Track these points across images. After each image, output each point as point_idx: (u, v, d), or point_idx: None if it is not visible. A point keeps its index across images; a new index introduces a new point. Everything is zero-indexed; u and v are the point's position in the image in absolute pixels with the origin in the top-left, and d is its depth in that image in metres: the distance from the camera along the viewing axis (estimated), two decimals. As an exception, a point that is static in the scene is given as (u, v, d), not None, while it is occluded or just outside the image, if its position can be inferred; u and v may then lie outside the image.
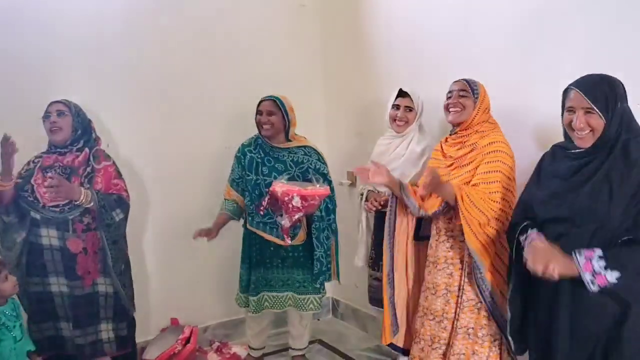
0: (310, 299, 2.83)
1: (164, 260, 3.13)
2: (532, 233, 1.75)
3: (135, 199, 2.67)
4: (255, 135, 2.81)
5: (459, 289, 2.18)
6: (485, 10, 2.48)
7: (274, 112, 2.68)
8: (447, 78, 2.30)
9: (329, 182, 2.74)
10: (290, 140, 2.76)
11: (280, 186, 2.52)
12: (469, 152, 2.17)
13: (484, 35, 2.49)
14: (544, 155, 1.88)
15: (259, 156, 2.75)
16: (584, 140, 1.67)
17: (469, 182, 2.13)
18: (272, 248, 2.74)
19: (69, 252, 2.41)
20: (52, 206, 2.38)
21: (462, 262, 2.18)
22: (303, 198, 2.50)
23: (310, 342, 3.18)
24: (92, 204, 2.38)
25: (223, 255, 3.18)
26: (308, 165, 2.73)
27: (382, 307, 2.48)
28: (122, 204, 2.51)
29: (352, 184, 3.45)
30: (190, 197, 3.14)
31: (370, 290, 2.82)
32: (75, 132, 2.46)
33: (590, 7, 2.08)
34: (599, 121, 1.63)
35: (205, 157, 3.19)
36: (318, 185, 2.56)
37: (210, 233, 2.71)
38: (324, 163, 2.80)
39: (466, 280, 2.16)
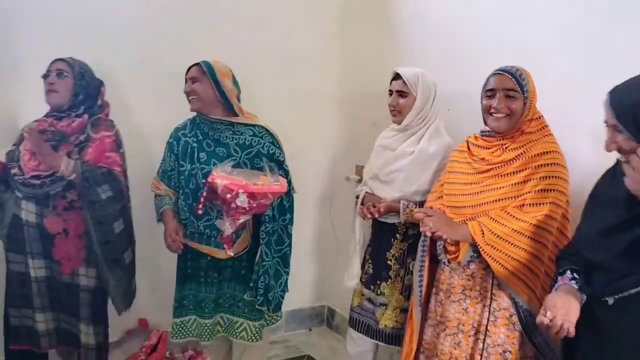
0: (244, 325, 2.24)
1: (137, 251, 2.60)
2: (564, 279, 1.45)
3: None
4: (192, 117, 2.28)
5: (479, 331, 1.74)
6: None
7: (198, 78, 2.11)
8: (489, 65, 1.81)
9: (286, 173, 2.18)
10: (236, 115, 2.18)
11: (221, 177, 1.99)
12: (514, 159, 1.72)
13: (538, 18, 2.00)
14: (604, 174, 1.44)
15: (195, 140, 2.19)
16: None
17: (513, 199, 1.70)
18: (208, 258, 2.20)
19: (47, 232, 2.08)
20: (34, 177, 2.05)
21: (483, 294, 1.74)
22: (251, 196, 1.95)
23: (299, 358, 2.78)
24: (73, 175, 2.03)
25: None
26: (259, 149, 2.14)
27: (365, 333, 2.24)
28: (112, 180, 2.13)
29: (361, 180, 3.01)
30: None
31: (354, 311, 2.29)
32: (76, 96, 2.12)
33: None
34: None
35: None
36: (271, 178, 2.03)
37: (177, 240, 2.18)
38: (280, 148, 2.20)
39: (492, 319, 1.71)
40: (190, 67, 2.15)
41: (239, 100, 2.22)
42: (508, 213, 1.67)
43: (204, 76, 2.11)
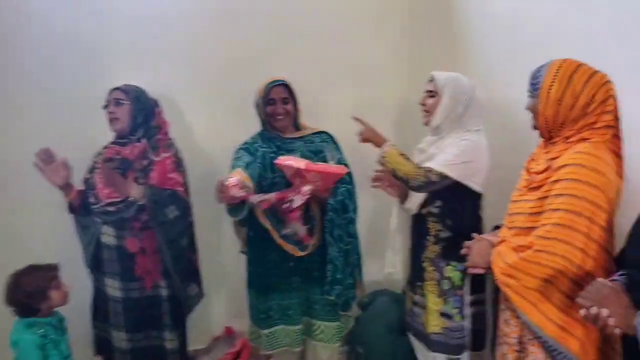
0: (321, 328, 2.31)
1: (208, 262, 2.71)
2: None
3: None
4: (256, 133, 2.33)
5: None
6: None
7: (289, 99, 2.24)
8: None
9: (350, 176, 2.30)
10: (300, 129, 2.33)
11: (286, 158, 2.12)
12: (544, 170, 1.58)
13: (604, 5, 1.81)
14: None
15: (272, 151, 2.23)
16: None
17: (538, 215, 1.55)
18: (292, 264, 2.24)
19: (127, 251, 2.27)
20: (109, 204, 2.23)
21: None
22: (315, 170, 2.08)
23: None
24: (144, 200, 2.18)
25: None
26: (327, 153, 2.29)
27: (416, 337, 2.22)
28: (177, 200, 2.28)
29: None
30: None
31: (408, 314, 2.27)
32: (135, 120, 2.26)
33: None
34: None
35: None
36: (334, 164, 2.16)
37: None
38: (342, 153, 2.36)
39: (529, 337, 1.59)
40: (273, 86, 2.18)
41: None
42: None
43: (291, 96, 2.21)
